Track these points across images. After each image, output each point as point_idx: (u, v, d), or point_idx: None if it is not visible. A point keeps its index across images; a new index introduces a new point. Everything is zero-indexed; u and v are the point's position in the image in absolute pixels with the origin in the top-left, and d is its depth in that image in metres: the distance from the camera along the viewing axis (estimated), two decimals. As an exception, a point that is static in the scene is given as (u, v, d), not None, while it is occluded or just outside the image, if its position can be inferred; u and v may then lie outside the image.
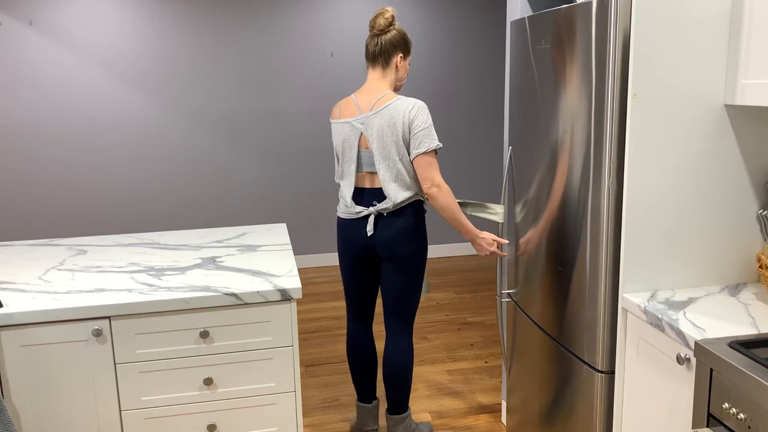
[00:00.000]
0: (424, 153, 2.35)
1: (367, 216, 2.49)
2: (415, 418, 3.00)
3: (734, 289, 1.88)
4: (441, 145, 2.35)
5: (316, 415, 3.05)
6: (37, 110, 4.75)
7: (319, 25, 5.04)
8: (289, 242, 2.64)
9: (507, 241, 2.49)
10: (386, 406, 2.83)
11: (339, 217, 2.61)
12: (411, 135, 2.37)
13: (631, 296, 1.82)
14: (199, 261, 2.39)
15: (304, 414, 3.07)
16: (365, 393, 2.77)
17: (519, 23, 2.37)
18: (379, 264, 2.58)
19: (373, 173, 2.46)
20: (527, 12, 2.56)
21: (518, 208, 2.48)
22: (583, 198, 1.96)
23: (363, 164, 2.47)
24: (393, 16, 2.45)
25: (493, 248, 2.48)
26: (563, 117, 2.05)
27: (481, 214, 2.55)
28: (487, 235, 2.48)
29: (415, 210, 2.49)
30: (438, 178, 2.37)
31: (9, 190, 4.82)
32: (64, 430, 2.01)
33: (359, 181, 2.50)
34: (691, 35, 1.74)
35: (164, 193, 5.05)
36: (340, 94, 5.11)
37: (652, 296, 1.82)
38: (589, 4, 1.84)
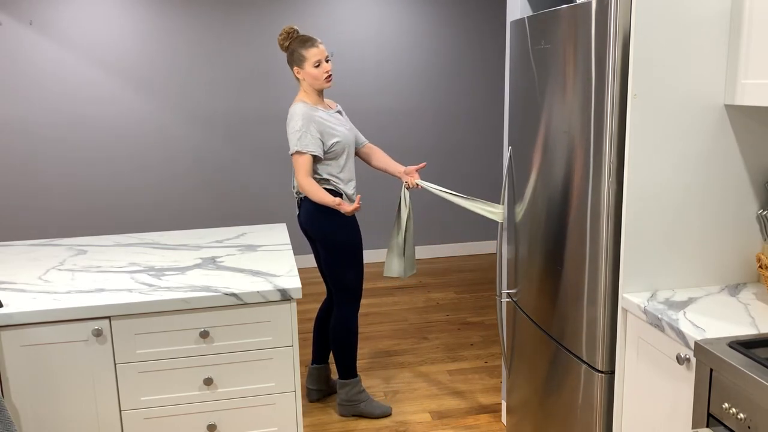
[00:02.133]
0: (292, 155, 2.67)
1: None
2: (415, 418, 3.00)
3: (734, 289, 1.88)
4: (297, 150, 2.63)
5: (316, 415, 3.05)
6: (37, 110, 4.75)
7: (320, 25, 5.04)
8: (289, 242, 2.64)
9: (341, 201, 2.63)
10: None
11: None
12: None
13: (631, 296, 1.82)
14: (199, 261, 2.39)
15: (304, 414, 3.07)
16: (313, 355, 3.15)
17: (519, 23, 2.37)
18: None
19: None
20: (527, 12, 2.56)
21: (518, 208, 2.48)
22: (583, 198, 1.96)
23: None
24: (282, 39, 2.73)
25: (347, 207, 2.63)
26: (563, 117, 2.05)
27: (481, 213, 2.59)
28: (340, 202, 2.64)
29: None
30: (299, 178, 2.66)
31: (9, 190, 4.82)
32: (64, 430, 2.02)
33: None
34: (691, 35, 1.74)
35: (164, 192, 5.05)
36: (341, 93, 5.11)
37: (652, 296, 1.82)
38: (589, 4, 1.84)
